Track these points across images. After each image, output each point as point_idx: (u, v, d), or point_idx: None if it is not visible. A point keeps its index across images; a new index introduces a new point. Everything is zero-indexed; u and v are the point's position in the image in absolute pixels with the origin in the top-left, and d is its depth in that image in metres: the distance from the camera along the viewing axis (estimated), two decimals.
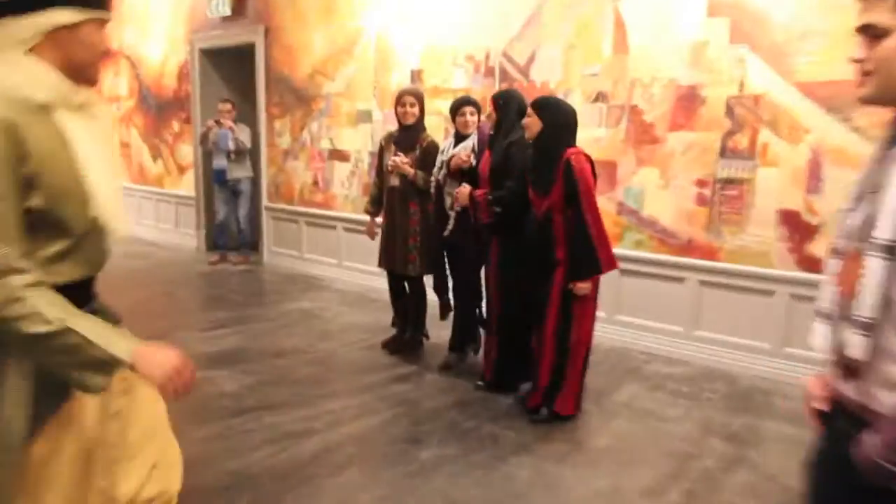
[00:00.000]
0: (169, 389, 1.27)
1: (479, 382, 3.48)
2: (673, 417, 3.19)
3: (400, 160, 3.75)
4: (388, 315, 4.62)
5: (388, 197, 3.92)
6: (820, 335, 1.17)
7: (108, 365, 1.23)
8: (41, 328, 1.17)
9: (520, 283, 3.20)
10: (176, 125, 7.68)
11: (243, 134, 6.38)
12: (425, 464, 2.68)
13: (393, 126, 4.01)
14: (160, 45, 7.60)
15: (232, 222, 6.62)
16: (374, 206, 4.07)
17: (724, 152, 3.79)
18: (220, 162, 6.46)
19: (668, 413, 3.23)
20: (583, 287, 2.90)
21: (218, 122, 6.34)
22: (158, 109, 7.90)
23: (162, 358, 1.27)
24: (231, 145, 6.35)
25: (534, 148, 3.01)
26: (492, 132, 3.38)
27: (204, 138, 6.47)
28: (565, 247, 2.94)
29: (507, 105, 3.26)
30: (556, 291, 2.98)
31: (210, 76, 7.15)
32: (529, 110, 2.99)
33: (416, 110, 3.77)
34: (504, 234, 3.28)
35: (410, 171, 3.74)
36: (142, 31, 7.81)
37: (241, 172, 6.51)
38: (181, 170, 7.71)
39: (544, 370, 3.05)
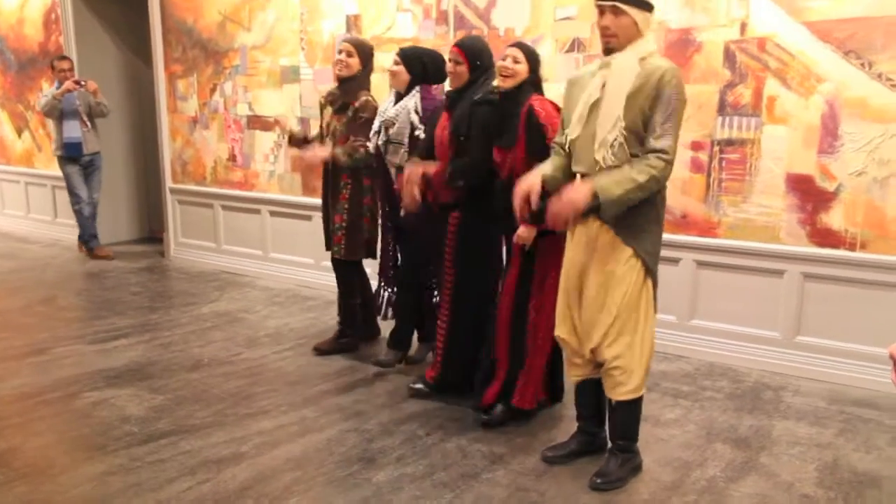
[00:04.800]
0: None
1: (418, 385, 3.55)
2: (670, 421, 3.30)
3: (310, 153, 3.86)
4: (327, 315, 4.63)
5: (324, 168, 4.01)
6: None
7: None
8: None
9: (484, 267, 3.29)
10: (46, 87, 7.42)
11: (90, 96, 6.39)
12: (382, 487, 2.71)
13: (331, 84, 4.03)
14: None
15: (85, 207, 6.65)
16: (301, 143, 4.14)
17: (723, 108, 3.91)
18: (73, 132, 6.42)
19: (664, 416, 3.35)
20: (522, 233, 2.97)
21: (78, 83, 6.27)
22: (20, 67, 7.66)
23: None
24: (81, 108, 6.35)
25: (500, 99, 3.09)
26: (456, 90, 3.34)
27: (52, 108, 6.35)
28: None
29: (480, 56, 3.28)
30: (516, 262, 3.09)
31: (89, 24, 6.94)
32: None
33: (352, 61, 3.80)
34: (468, 210, 3.31)
35: (321, 157, 3.82)
36: None
37: (97, 145, 6.56)
38: None
39: (501, 356, 3.16)
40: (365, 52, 3.86)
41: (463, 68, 3.28)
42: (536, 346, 3.13)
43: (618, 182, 2.48)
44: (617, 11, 2.51)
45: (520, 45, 3.10)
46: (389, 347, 3.90)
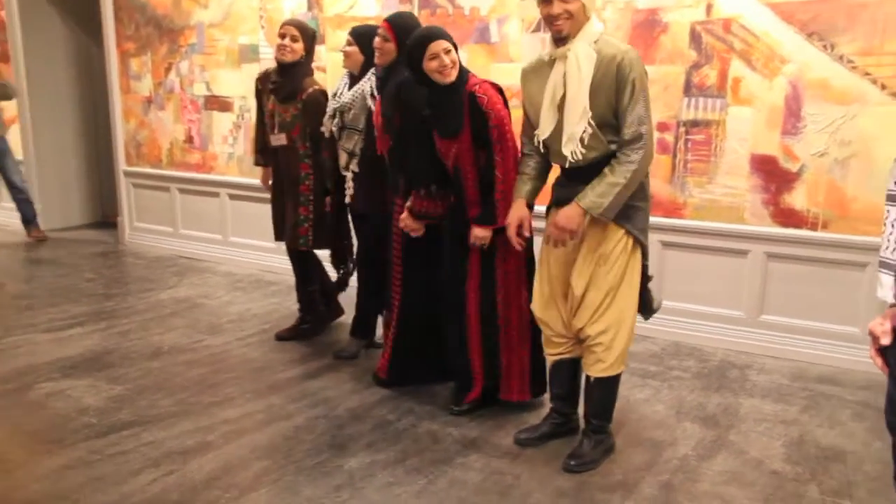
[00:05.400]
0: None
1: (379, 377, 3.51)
2: (640, 401, 3.32)
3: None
4: (290, 299, 4.54)
5: (274, 158, 3.91)
6: (888, 287, 1.29)
7: None
8: None
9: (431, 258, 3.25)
10: None
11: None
12: (354, 474, 2.67)
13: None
14: None
15: None
16: (264, 154, 4.04)
17: (688, 89, 3.92)
18: None
19: (634, 396, 3.36)
20: (479, 234, 2.93)
21: None
22: None
23: None
24: None
25: (440, 95, 2.91)
26: (385, 69, 3.23)
27: None
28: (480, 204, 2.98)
29: (410, 34, 3.05)
30: (476, 261, 3.02)
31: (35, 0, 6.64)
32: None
33: (297, 46, 3.67)
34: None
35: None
36: None
37: (1, 129, 6.35)
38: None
39: (474, 355, 3.12)
40: (309, 36, 3.73)
41: (391, 45, 3.15)
42: (513, 341, 3.09)
43: (602, 193, 2.48)
44: None
45: (440, 35, 2.86)
46: (352, 336, 3.85)
